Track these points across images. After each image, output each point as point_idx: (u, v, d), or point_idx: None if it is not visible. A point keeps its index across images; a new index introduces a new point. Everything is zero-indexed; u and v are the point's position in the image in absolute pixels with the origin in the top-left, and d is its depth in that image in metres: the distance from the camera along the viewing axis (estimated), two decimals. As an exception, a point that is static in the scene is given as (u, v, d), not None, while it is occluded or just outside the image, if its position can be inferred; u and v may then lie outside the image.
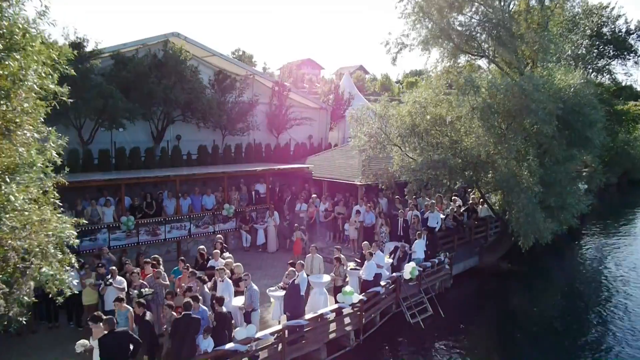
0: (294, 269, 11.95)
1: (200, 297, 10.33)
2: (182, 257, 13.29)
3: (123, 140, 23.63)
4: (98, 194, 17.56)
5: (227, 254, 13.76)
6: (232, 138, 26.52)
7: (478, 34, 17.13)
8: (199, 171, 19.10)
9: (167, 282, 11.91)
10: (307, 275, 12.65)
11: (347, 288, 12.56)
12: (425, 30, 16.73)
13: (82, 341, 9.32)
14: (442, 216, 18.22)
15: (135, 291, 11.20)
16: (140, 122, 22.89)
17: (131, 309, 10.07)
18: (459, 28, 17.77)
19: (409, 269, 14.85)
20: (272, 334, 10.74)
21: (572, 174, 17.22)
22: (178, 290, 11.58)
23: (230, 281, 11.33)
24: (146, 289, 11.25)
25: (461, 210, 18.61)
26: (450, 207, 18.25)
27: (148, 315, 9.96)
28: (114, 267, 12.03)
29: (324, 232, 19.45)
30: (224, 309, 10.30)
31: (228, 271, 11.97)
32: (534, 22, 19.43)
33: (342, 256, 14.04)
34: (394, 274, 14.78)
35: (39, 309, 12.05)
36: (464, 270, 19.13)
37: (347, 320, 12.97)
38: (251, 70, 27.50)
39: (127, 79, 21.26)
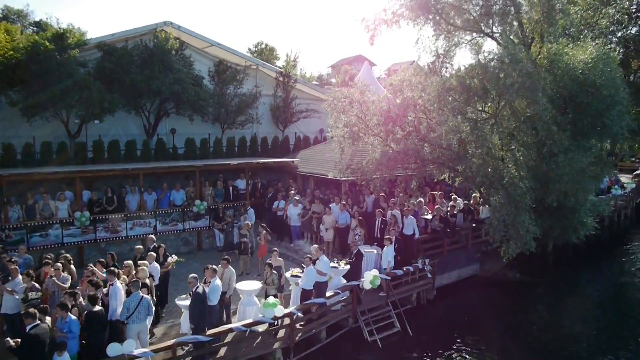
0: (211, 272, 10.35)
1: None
2: (101, 259, 11.87)
3: (116, 133, 23.07)
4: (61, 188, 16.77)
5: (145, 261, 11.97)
6: (234, 131, 25.33)
7: (466, 4, 14.47)
8: (164, 165, 17.81)
9: (65, 284, 10.57)
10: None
11: (270, 299, 10.67)
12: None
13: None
14: (428, 217, 15.81)
15: (22, 296, 10.00)
16: (134, 115, 22.26)
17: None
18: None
19: (369, 278, 12.72)
20: (155, 351, 9.11)
21: (590, 167, 14.20)
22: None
23: (120, 286, 9.81)
24: (33, 293, 9.99)
25: (454, 211, 16.01)
26: (437, 207, 15.74)
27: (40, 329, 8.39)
28: (15, 267, 10.87)
29: (300, 232, 17.56)
30: (97, 308, 8.89)
31: (125, 276, 10.50)
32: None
33: (280, 259, 12.20)
34: (350, 283, 12.69)
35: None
36: (459, 280, 16.59)
37: (281, 334, 11.14)
38: (253, 60, 26.08)
39: (110, 70, 20.55)
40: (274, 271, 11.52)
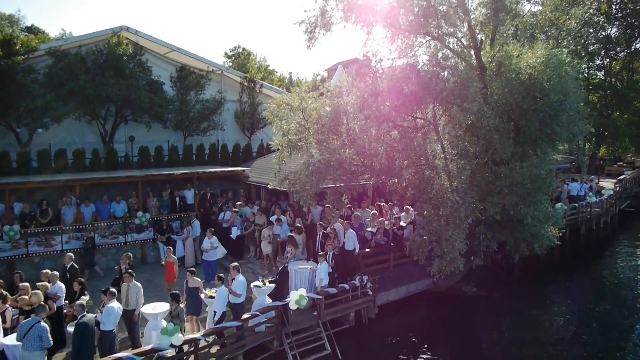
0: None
1: None
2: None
3: (72, 141, 22.44)
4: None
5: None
6: (198, 138, 24.66)
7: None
8: (102, 175, 17.05)
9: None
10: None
11: (170, 325, 9.84)
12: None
13: None
14: (372, 230, 14.97)
15: None
16: (92, 123, 21.62)
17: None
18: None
19: (295, 298, 11.88)
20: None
21: (540, 177, 13.31)
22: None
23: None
24: None
25: (402, 223, 15.16)
26: (380, 220, 14.89)
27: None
28: None
29: (244, 246, 16.78)
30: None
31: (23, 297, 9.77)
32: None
33: (197, 279, 11.40)
34: (274, 303, 11.87)
35: None
36: (409, 296, 15.70)
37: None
38: (215, 65, 25.37)
39: (59, 76, 19.91)
40: (180, 305, 10.67)
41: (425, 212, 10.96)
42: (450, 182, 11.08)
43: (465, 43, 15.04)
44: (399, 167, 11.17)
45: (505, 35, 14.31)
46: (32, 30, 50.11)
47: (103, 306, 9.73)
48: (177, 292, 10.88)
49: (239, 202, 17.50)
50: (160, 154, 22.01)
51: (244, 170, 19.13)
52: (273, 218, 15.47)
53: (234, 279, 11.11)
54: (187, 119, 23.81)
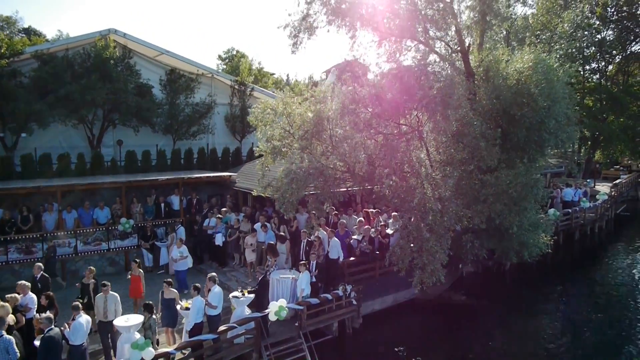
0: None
1: None
2: None
3: (59, 145, 22.12)
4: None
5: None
6: (187, 142, 24.35)
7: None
8: (84, 181, 16.74)
9: None
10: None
11: (140, 339, 9.53)
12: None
13: None
14: (358, 238, 14.68)
15: None
16: (80, 127, 21.31)
17: None
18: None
19: (274, 309, 11.59)
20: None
21: (528, 184, 13.00)
22: None
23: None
24: None
25: (389, 231, 14.85)
26: (366, 228, 14.60)
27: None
28: None
29: (228, 253, 16.47)
30: None
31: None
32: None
33: (173, 290, 11.10)
34: (253, 314, 11.57)
35: None
36: (395, 305, 15.43)
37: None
38: (206, 68, 25.08)
39: (45, 80, 19.62)
40: (153, 316, 10.37)
41: (407, 222, 10.64)
42: (433, 191, 10.78)
43: (453, 47, 14.78)
44: (379, 175, 10.87)
45: (495, 39, 14.01)
46: (29, 31, 49.89)
47: (73, 319, 9.44)
48: (151, 302, 10.58)
49: (224, 209, 17.19)
50: (148, 159, 21.68)
51: (230, 176, 18.81)
52: (257, 225, 15.15)
53: (210, 290, 10.81)
54: (177, 122, 23.50)
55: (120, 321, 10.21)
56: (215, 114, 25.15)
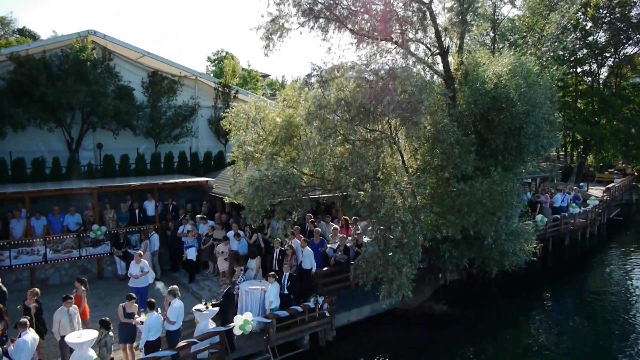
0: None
1: None
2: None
3: (37, 149, 21.66)
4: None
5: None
6: (170, 146, 23.88)
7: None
8: (53, 187, 16.26)
9: None
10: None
11: (93, 355, 9.04)
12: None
13: None
14: (332, 247, 14.20)
15: None
16: (58, 129, 20.83)
17: None
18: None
19: (239, 322, 11.12)
20: None
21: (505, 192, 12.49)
22: None
23: None
24: None
25: (366, 239, 14.35)
26: (341, 236, 14.12)
27: None
28: None
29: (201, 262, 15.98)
30: None
31: None
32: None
33: (136, 305, 10.61)
34: (217, 328, 11.08)
35: None
36: (373, 315, 14.89)
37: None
38: (189, 70, 24.59)
39: (20, 82, 19.14)
40: (110, 333, 9.90)
41: (376, 233, 10.17)
42: (403, 200, 10.29)
43: (432, 50, 14.31)
44: (345, 183, 10.40)
45: (480, 41, 13.54)
46: (23, 32, 49.48)
47: (19, 336, 8.97)
48: (106, 318, 10.09)
49: (198, 215, 16.71)
50: (126, 163, 21.21)
51: (207, 181, 18.32)
52: (230, 233, 14.66)
53: (169, 303, 10.33)
54: (158, 125, 23.04)
55: (72, 337, 9.71)
56: (199, 117, 24.68)
